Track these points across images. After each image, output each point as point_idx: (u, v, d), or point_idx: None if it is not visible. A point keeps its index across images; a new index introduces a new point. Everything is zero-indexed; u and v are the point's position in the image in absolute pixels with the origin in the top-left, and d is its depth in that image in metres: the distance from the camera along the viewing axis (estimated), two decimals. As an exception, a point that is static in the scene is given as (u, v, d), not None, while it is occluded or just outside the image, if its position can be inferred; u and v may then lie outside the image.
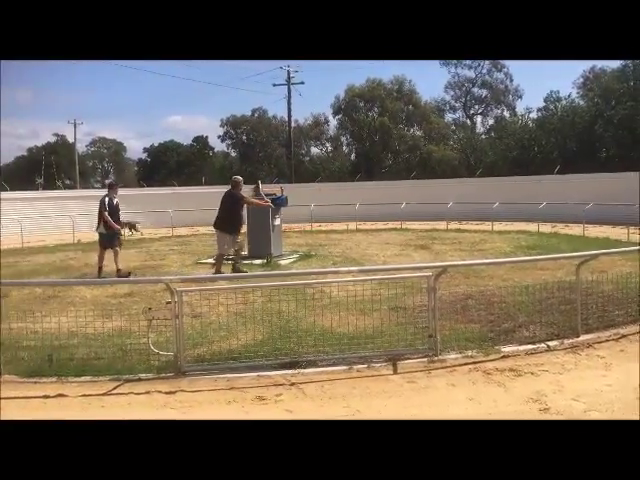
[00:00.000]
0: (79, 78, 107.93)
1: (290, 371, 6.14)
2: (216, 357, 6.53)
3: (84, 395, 5.67)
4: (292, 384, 5.81)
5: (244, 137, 63.58)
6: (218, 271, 12.20)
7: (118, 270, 12.65)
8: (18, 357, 6.72)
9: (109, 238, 12.91)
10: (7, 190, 31.64)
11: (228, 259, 12.99)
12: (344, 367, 6.24)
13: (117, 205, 13.05)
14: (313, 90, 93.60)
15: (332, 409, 5.12)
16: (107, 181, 12.47)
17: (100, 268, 12.88)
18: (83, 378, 6.13)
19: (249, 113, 63.06)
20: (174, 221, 25.91)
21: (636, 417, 3.49)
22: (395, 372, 6.12)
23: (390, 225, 24.95)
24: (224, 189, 13.63)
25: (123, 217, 15.25)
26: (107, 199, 12.88)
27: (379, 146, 54.39)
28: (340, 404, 5.25)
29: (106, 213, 12.71)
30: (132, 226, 24.91)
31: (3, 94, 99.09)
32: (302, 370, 6.17)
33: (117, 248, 12.94)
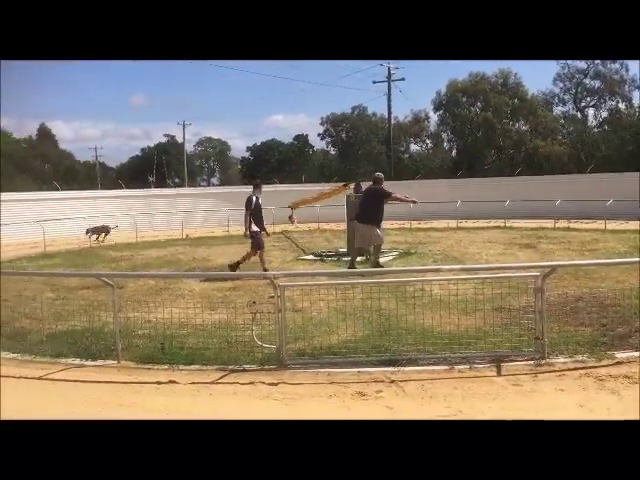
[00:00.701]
0: (188, 78, 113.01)
1: (390, 368, 6.12)
2: (317, 352, 6.64)
3: (193, 383, 5.95)
4: (392, 381, 5.78)
5: (343, 135, 64.01)
6: (377, 262, 12.28)
7: (264, 269, 12.16)
8: (134, 344, 7.17)
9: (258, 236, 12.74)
10: (123, 188, 33.85)
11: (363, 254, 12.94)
12: (445, 367, 6.13)
13: (260, 204, 12.90)
14: (413, 87, 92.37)
15: (433, 408, 5.05)
16: (254, 181, 12.98)
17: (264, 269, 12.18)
18: (192, 367, 6.44)
19: (349, 111, 63.46)
20: (275, 218, 26.55)
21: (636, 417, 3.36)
22: (499, 374, 5.93)
23: (493, 223, 24.17)
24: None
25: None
26: (254, 198, 12.76)
27: (482, 142, 52.84)
28: (441, 404, 5.17)
29: (248, 213, 12.60)
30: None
31: (120, 99, 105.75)
32: (402, 368, 6.13)
33: (256, 250, 12.79)
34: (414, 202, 13.95)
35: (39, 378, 6.30)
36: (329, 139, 65.37)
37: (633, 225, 20.71)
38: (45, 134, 65.28)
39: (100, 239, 22.00)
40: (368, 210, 12.38)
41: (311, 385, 5.81)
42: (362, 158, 60.01)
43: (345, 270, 11.11)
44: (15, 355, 7.14)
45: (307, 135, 69.27)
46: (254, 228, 12.67)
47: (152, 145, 70.92)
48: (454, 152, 57.83)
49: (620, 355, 6.20)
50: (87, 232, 22.37)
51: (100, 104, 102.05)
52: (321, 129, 65.00)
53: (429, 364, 6.25)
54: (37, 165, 58.91)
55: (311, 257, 15.57)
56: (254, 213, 12.68)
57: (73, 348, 7.17)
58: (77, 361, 6.82)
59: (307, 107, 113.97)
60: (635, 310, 7.40)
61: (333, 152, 66.16)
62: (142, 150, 71.65)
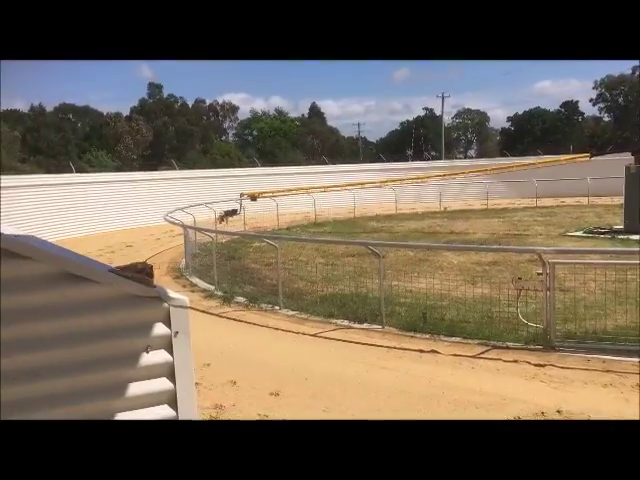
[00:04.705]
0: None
1: (680, 363, 5.36)
2: (588, 336, 6.11)
3: (455, 355, 5.96)
4: (682, 377, 5.06)
5: (621, 99, 57.14)
6: None
7: None
8: (396, 312, 7.45)
9: None
10: (383, 161, 35.22)
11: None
12: None
13: None
14: None
15: None
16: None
17: None
18: (453, 339, 6.46)
19: (629, 72, 56.22)
20: (538, 191, 25.05)
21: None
22: None
23: None
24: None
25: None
26: None
27: None
28: None
29: None
30: None
31: (384, 74, 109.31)
32: (697, 364, 5.32)
33: None
34: None
35: (314, 335, 6.95)
36: (603, 104, 58.99)
37: None
38: (315, 112, 70.87)
39: (224, 222, 19.37)
40: None
41: (583, 371, 5.38)
42: (643, 124, 52.95)
43: (624, 249, 9.98)
44: (294, 313, 7.98)
45: (577, 102, 63.42)
46: None
47: (411, 119, 72.04)
48: None
49: None
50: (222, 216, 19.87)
51: (365, 81, 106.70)
52: (594, 94, 58.99)
53: None
54: (308, 141, 64.30)
55: (580, 234, 14.34)
56: None
57: (342, 310, 7.74)
58: (345, 322, 7.35)
59: (579, 70, 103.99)
60: None
61: (607, 119, 59.61)
62: (401, 124, 73.24)
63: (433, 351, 6.09)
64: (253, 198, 20.96)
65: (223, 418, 4.58)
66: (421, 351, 6.12)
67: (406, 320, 7.09)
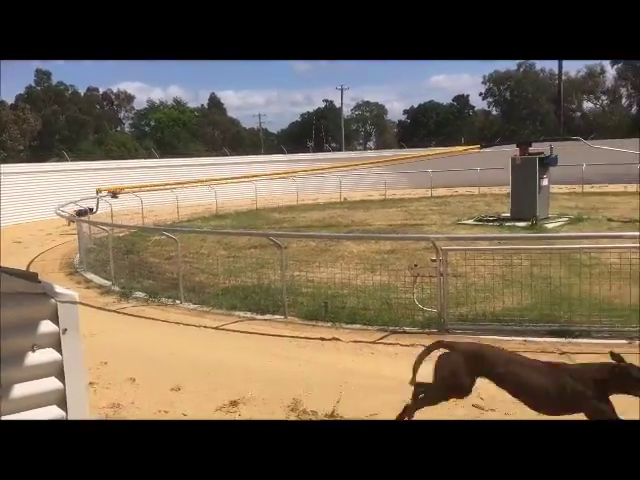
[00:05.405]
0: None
1: (560, 339, 5.80)
2: (479, 318, 6.47)
3: (355, 341, 6.11)
4: (562, 353, 5.48)
5: (507, 94, 60.57)
6: None
7: None
8: (299, 302, 7.52)
9: None
10: (285, 153, 35.22)
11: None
12: (624, 340, 5.66)
13: None
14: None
15: (609, 385, 4.70)
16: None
17: None
18: (354, 326, 6.61)
19: (514, 67, 59.73)
20: (433, 182, 26.09)
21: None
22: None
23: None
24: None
25: None
26: None
27: (668, 96, 47.12)
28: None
29: None
30: None
31: (285, 66, 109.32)
32: (573, 340, 5.77)
33: None
34: None
35: (216, 328, 6.87)
36: (491, 99, 62.28)
37: None
38: (215, 103, 69.61)
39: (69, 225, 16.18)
40: None
41: (474, 351, 5.68)
42: (527, 118, 56.51)
43: (510, 235, 10.63)
44: (196, 306, 7.85)
45: (468, 95, 66.57)
46: None
47: (312, 110, 72.59)
48: (634, 109, 52.27)
49: None
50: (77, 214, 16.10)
51: (266, 72, 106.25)
52: (483, 88, 62.13)
53: (605, 337, 5.82)
54: (208, 132, 63.12)
55: (471, 222, 15.11)
56: None
57: (245, 302, 7.70)
58: (248, 314, 7.32)
59: (470, 65, 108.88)
60: None
61: (495, 112, 62.99)
62: (302, 116, 73.63)
63: (335, 339, 6.20)
64: (114, 194, 20.11)
65: (119, 417, 4.43)
66: (323, 339, 6.22)
67: (308, 310, 7.18)
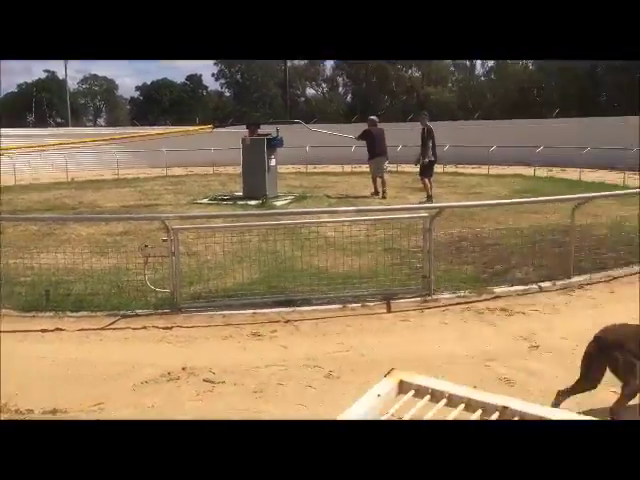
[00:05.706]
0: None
1: (285, 309, 6.22)
2: (212, 295, 6.60)
3: (82, 329, 5.74)
4: (287, 321, 5.89)
5: (239, 76, 62.30)
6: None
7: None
8: (15, 292, 6.77)
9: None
10: (-2, 127, 31.16)
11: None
12: (338, 305, 6.32)
13: None
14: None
15: (326, 345, 5.22)
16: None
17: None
18: (80, 313, 6.20)
19: (244, 51, 61.49)
20: (168, 161, 25.66)
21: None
22: (389, 311, 6.21)
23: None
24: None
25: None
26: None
27: (376, 88, 53.42)
28: (334, 340, 5.35)
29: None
30: None
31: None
32: (297, 308, 6.25)
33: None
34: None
35: None
36: (224, 80, 63.47)
37: (514, 170, 22.02)
38: None
39: None
40: (383, 146, 16.09)
41: (206, 328, 5.80)
42: (258, 101, 58.92)
43: (240, 212, 11.01)
44: None
45: (201, 75, 66.78)
46: None
47: (30, 81, 65.36)
48: (349, 97, 58.15)
49: (498, 290, 6.68)
50: None
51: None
52: (215, 69, 62.91)
53: (323, 303, 6.41)
54: None
55: (206, 201, 15.27)
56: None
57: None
58: (-49, 311, 6.35)
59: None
60: (512, 249, 7.96)
61: (228, 94, 64.38)
62: (19, 86, 65.88)
63: (57, 329, 5.74)
64: None
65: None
66: (44, 331, 5.71)
67: (27, 300, 6.51)
